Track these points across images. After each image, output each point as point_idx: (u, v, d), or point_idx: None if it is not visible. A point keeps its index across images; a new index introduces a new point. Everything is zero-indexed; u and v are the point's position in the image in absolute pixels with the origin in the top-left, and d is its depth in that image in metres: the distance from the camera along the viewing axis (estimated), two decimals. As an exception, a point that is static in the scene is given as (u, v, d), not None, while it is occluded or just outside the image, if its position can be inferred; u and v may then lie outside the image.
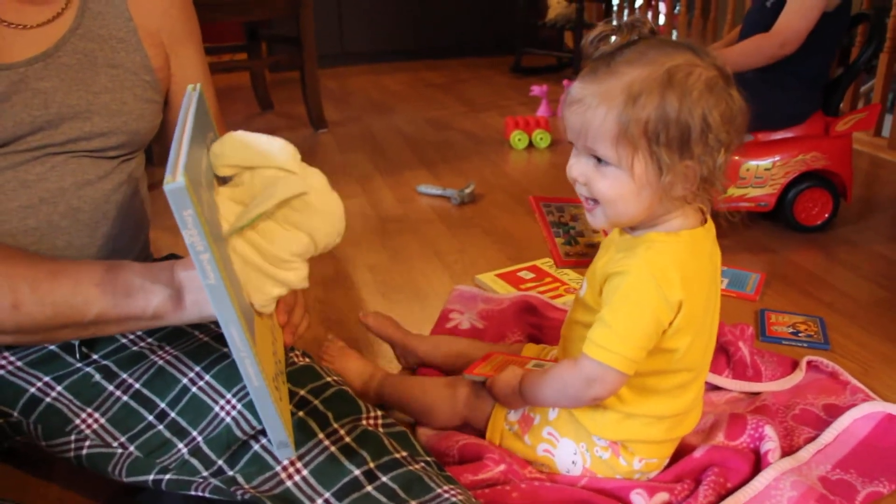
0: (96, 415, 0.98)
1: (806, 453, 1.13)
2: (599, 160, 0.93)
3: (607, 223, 0.98)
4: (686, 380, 1.02)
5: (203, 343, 1.02)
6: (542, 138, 3.00)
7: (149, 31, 1.07)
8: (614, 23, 0.96)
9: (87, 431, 0.97)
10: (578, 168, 0.96)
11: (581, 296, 1.06)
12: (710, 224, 1.01)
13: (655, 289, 0.92)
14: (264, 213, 0.77)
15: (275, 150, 0.82)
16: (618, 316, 0.94)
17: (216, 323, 1.03)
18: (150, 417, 0.96)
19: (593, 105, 0.91)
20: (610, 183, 0.93)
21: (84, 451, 0.95)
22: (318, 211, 0.81)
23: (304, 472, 0.86)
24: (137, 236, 1.13)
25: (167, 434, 0.95)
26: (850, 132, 1.99)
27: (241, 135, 0.83)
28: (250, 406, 0.91)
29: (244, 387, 0.93)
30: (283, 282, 0.79)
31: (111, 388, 0.99)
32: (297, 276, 0.80)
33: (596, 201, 0.96)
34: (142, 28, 1.06)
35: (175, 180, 0.62)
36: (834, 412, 1.23)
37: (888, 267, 1.87)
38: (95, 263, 0.88)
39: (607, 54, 0.93)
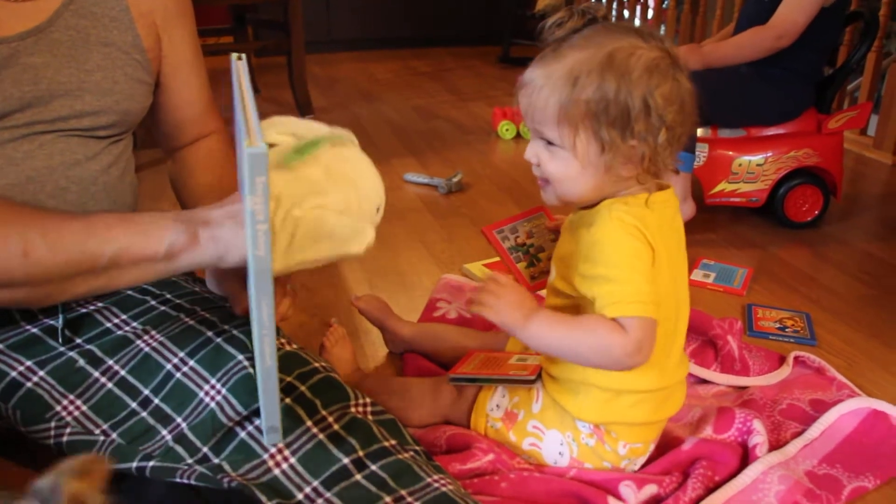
0: (78, 402, 0.96)
1: (793, 448, 1.13)
2: (549, 142, 0.96)
3: (557, 200, 1.01)
4: (663, 347, 1.01)
5: (188, 326, 1.00)
6: (529, 129, 2.99)
7: (141, 11, 1.05)
8: (570, 10, 0.98)
9: (68, 419, 0.94)
10: (532, 150, 0.99)
11: (551, 282, 1.08)
12: (671, 194, 1.01)
13: (629, 234, 0.93)
14: (320, 144, 0.79)
15: (319, 126, 0.84)
16: (613, 268, 0.93)
17: (203, 304, 1.03)
18: (134, 404, 0.95)
19: (538, 87, 0.94)
20: (558, 164, 0.96)
21: (64, 439, 0.93)
22: (363, 161, 0.84)
23: (292, 460, 0.84)
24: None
25: (151, 421, 0.93)
26: (842, 130, 1.99)
27: (287, 118, 0.85)
28: (234, 390, 0.89)
29: (228, 371, 0.92)
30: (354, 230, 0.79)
31: (96, 374, 0.97)
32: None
33: (547, 181, 0.99)
34: (134, 7, 1.04)
35: (256, 145, 0.61)
36: (820, 407, 1.24)
37: (873, 264, 1.88)
38: (107, 210, 0.86)
39: (558, 40, 0.95)
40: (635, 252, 0.93)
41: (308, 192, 0.78)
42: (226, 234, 0.79)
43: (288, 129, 0.84)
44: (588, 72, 0.90)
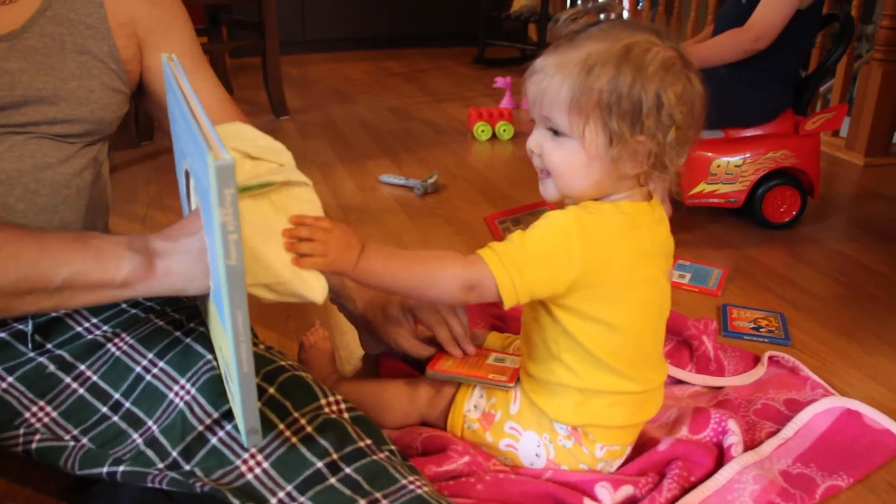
0: (48, 408, 0.94)
1: (768, 447, 1.14)
2: (556, 132, 0.95)
3: (557, 195, 1.00)
4: (636, 357, 1.02)
5: (158, 328, 0.99)
6: (505, 130, 2.99)
7: (120, 22, 1.03)
8: (586, 5, 1.00)
9: (38, 425, 0.93)
10: (535, 139, 0.98)
11: None
12: (657, 203, 1.02)
13: (574, 219, 0.93)
14: (270, 186, 0.79)
15: (279, 148, 0.84)
16: (526, 232, 0.94)
17: (173, 304, 1.02)
18: (105, 409, 0.93)
19: (550, 74, 0.94)
20: (562, 154, 0.95)
21: (34, 445, 0.91)
22: (312, 206, 0.84)
23: (265, 465, 0.83)
24: (97, 223, 1.09)
25: (122, 425, 0.91)
26: (819, 131, 2.01)
27: (246, 126, 0.85)
28: (203, 390, 0.88)
29: (196, 371, 0.91)
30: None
31: (68, 379, 0.95)
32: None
33: (548, 173, 0.98)
34: (113, 17, 1.02)
35: (222, 157, 0.61)
36: (794, 407, 1.24)
37: (846, 264, 1.90)
38: (63, 230, 0.85)
39: (573, 32, 0.96)
40: (559, 232, 0.93)
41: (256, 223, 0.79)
42: (181, 269, 0.79)
43: (236, 146, 0.83)
44: (604, 62, 0.90)
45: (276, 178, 0.82)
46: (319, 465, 0.83)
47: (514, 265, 0.92)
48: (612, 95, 0.90)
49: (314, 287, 0.83)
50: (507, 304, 0.93)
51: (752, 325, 1.54)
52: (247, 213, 0.78)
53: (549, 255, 0.93)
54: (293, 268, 0.82)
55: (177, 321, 0.99)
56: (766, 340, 1.49)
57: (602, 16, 0.97)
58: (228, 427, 0.86)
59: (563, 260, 0.92)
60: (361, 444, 0.88)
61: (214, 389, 0.88)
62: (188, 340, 0.95)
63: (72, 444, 0.91)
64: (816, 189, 2.07)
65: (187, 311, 1.02)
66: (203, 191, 0.68)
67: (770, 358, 1.39)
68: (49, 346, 0.99)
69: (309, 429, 0.87)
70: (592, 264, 0.93)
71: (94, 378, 0.95)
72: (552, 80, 0.93)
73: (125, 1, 1.04)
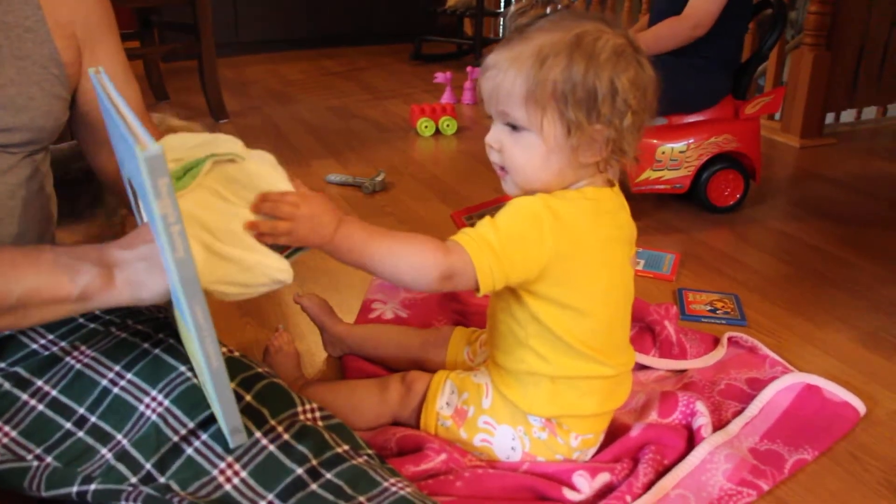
0: (6, 428, 0.90)
1: (735, 426, 1.16)
2: (514, 127, 0.95)
3: (517, 190, 0.99)
4: (606, 341, 1.02)
5: (121, 340, 0.95)
6: (448, 125, 2.98)
7: (60, 23, 0.99)
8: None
9: None
10: (494, 135, 0.98)
11: None
12: (618, 190, 1.03)
13: (542, 204, 0.94)
14: (198, 168, 0.77)
15: (209, 139, 0.81)
16: (496, 218, 0.94)
17: (135, 317, 0.99)
18: (69, 425, 0.89)
19: (504, 69, 0.94)
20: (522, 149, 0.95)
21: None
22: (264, 180, 0.82)
23: (243, 474, 0.81)
24: (44, 235, 1.05)
25: (89, 440, 0.88)
26: (759, 115, 2.05)
27: (176, 136, 0.82)
28: (178, 402, 0.86)
29: (169, 382, 0.88)
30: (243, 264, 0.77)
31: (25, 396, 0.91)
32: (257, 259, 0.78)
33: (506, 170, 0.98)
34: (52, 18, 0.98)
35: (149, 147, 0.58)
36: (756, 385, 1.27)
37: (790, 243, 1.95)
38: (13, 247, 0.81)
39: (523, 25, 0.96)
40: (528, 214, 0.93)
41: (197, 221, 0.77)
42: (140, 277, 0.77)
43: (175, 154, 0.80)
44: (556, 52, 0.91)
45: (198, 152, 0.79)
46: (299, 471, 0.82)
47: (492, 251, 0.91)
48: (566, 85, 0.90)
49: (278, 268, 0.82)
50: (484, 291, 0.93)
51: (709, 308, 1.56)
52: (186, 207, 0.75)
53: (522, 238, 0.93)
54: (250, 256, 0.80)
55: (142, 333, 0.96)
56: (723, 322, 1.52)
57: (549, 8, 0.98)
58: (205, 437, 0.83)
59: (536, 243, 0.92)
60: (339, 449, 0.86)
61: (190, 400, 0.85)
62: (157, 351, 0.92)
63: (35, 463, 0.87)
64: (759, 172, 2.11)
65: (152, 322, 0.98)
66: (142, 190, 0.66)
67: (729, 339, 1.42)
68: (2, 364, 0.95)
69: (286, 436, 0.85)
70: (563, 247, 0.93)
71: (54, 393, 0.91)
72: (506, 74, 0.93)
73: (64, 2, 1.00)
